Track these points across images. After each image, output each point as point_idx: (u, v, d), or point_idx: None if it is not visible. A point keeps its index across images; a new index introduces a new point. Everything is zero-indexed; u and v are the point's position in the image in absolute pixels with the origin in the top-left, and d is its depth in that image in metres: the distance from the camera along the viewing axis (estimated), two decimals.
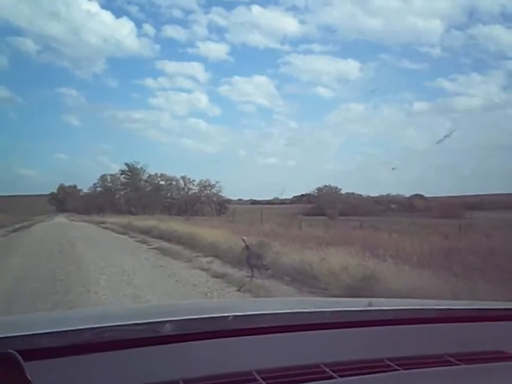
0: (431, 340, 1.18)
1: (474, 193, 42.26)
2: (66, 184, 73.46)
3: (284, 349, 1.06)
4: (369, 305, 1.33)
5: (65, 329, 0.99)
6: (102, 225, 31.00)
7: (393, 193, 53.58)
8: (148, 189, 64.14)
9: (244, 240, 8.50)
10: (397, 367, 0.95)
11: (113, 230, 24.76)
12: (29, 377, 0.68)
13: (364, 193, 55.53)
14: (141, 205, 59.87)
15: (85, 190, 71.03)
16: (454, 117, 58.48)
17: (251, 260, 7.82)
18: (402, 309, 1.34)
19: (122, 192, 66.03)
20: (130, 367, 0.94)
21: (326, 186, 57.56)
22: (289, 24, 78.69)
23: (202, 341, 1.02)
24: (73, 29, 72.09)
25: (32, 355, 0.81)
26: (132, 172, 65.70)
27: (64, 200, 73.50)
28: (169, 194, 64.54)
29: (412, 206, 46.40)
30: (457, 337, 1.19)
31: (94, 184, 67.62)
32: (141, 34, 75.81)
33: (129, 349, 0.96)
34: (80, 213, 60.02)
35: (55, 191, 74.02)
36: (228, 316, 1.10)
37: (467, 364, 0.99)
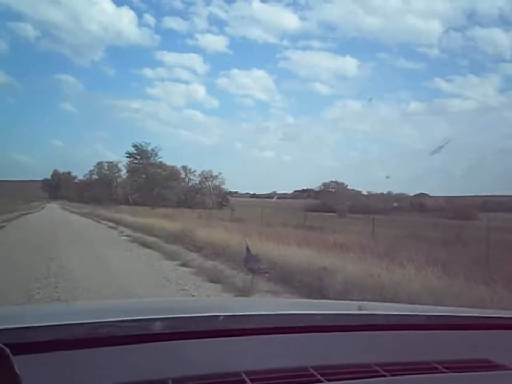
0: (419, 346, 1.19)
1: (470, 194, 41.03)
2: (61, 170, 68.56)
3: (273, 350, 1.07)
4: (360, 308, 1.40)
5: (56, 323, 1.00)
6: (123, 228, 18.75)
7: (394, 191, 50.60)
8: (157, 176, 53.45)
9: (245, 242, 8.05)
10: (384, 373, 0.96)
11: (173, 256, 10.33)
12: (17, 372, 0.67)
13: (361, 190, 52.00)
14: (151, 196, 49.14)
15: (80, 177, 65.22)
16: (450, 118, 57.38)
17: (249, 262, 7.41)
18: (392, 314, 1.36)
19: (119, 180, 58.84)
20: (120, 364, 0.94)
21: (332, 182, 53.98)
22: (289, 20, 76.11)
23: (192, 340, 1.03)
24: (74, 16, 70.25)
25: (23, 349, 0.81)
26: (141, 155, 54.79)
27: (58, 187, 68.00)
28: (168, 184, 55.87)
29: (421, 205, 44.95)
30: (444, 344, 1.20)
31: (90, 171, 61.59)
32: (141, 24, 73.56)
33: (120, 345, 0.97)
34: (74, 201, 55.78)
35: (49, 177, 68.83)
36: (219, 316, 1.11)
37: (453, 372, 1.00)
